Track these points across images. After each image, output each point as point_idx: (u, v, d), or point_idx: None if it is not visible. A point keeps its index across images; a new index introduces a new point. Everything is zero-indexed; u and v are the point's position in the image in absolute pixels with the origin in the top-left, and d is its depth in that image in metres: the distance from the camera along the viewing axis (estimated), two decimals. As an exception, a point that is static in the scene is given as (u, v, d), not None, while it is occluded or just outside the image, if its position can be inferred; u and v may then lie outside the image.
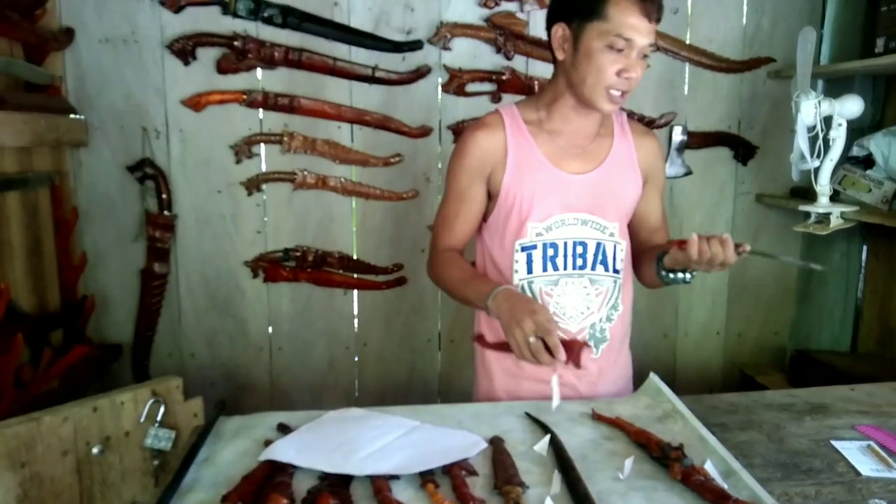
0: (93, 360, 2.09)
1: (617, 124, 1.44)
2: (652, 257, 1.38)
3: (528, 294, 1.38)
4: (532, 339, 1.18)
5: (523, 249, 1.38)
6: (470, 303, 1.38)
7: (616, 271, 1.41)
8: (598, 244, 1.38)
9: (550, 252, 1.37)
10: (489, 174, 1.39)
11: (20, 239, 1.94)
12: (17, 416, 1.37)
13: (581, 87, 1.30)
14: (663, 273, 1.33)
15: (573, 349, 1.21)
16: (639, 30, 1.23)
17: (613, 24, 1.23)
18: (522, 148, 1.37)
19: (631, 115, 2.33)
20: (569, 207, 1.37)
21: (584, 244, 1.38)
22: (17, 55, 1.98)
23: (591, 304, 1.40)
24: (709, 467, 0.99)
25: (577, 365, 1.22)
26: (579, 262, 1.38)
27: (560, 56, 1.33)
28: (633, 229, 1.48)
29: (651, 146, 1.47)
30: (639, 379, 1.38)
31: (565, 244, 1.37)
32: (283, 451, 1.04)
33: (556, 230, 1.37)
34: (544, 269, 1.38)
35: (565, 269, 1.38)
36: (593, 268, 1.39)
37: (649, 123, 2.36)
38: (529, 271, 1.38)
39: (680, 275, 1.32)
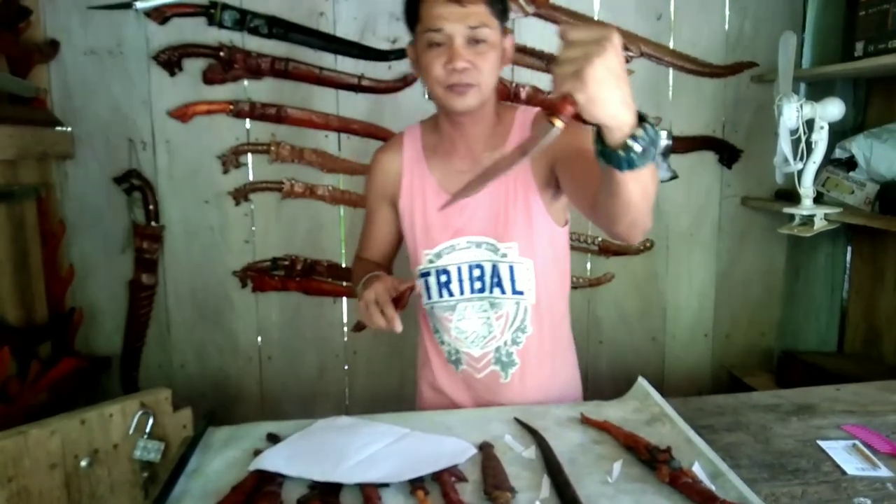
0: (81, 372, 2.08)
1: (518, 125, 1.32)
2: (600, 170, 0.95)
3: (433, 318, 1.40)
4: (369, 306, 1.18)
5: (421, 275, 1.37)
6: None
7: (518, 292, 1.33)
8: (494, 266, 1.32)
9: (443, 278, 1.35)
10: (391, 196, 1.40)
11: (7, 252, 1.93)
12: (4, 430, 1.36)
13: (432, 96, 1.28)
14: (612, 154, 0.86)
15: (402, 298, 1.20)
16: (447, 17, 1.17)
17: (425, 21, 1.20)
18: (416, 172, 1.37)
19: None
20: (459, 232, 1.32)
21: (480, 267, 1.33)
22: (2, 68, 1.98)
23: (492, 329, 1.36)
24: (696, 469, 1.00)
25: (401, 306, 1.19)
26: (477, 285, 1.34)
27: (417, 75, 1.31)
28: (589, 196, 1.10)
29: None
30: (627, 383, 1.39)
31: (459, 269, 1.34)
32: (273, 460, 1.04)
33: (446, 256, 1.34)
34: (440, 295, 1.36)
35: (462, 293, 1.35)
36: (491, 291, 1.33)
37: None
38: (429, 297, 1.38)
39: (635, 141, 0.84)
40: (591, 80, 0.77)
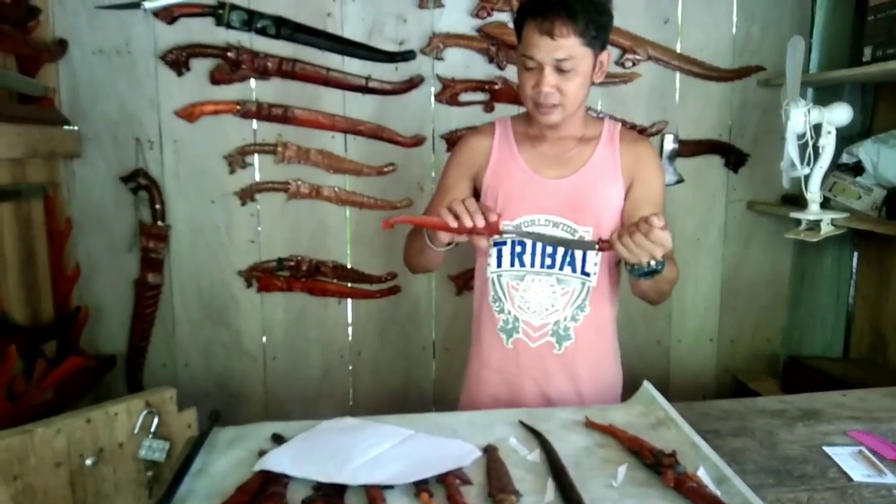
0: (86, 371, 2.09)
1: (606, 132, 1.48)
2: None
3: (496, 286, 1.48)
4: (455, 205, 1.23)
5: (495, 244, 1.46)
6: (426, 244, 1.37)
7: (585, 273, 1.45)
8: None
9: (518, 249, 1.45)
10: (475, 173, 1.51)
11: (13, 250, 1.93)
12: (10, 429, 1.37)
13: (524, 105, 1.44)
14: (628, 267, 1.28)
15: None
16: (540, 47, 1.31)
17: (522, 45, 1.35)
18: (505, 153, 1.48)
19: (623, 123, 2.35)
20: (541, 209, 1.43)
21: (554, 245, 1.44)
22: (10, 67, 1.98)
23: (555, 303, 1.45)
24: (701, 474, 0.99)
25: (494, 229, 1.24)
26: (548, 261, 1.44)
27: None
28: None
29: (637, 152, 1.46)
30: (633, 386, 1.38)
31: (534, 243, 1.44)
32: (278, 461, 1.04)
33: (525, 229, 1.43)
34: (511, 265, 1.46)
35: (532, 266, 1.45)
36: (561, 268, 1.44)
37: (641, 132, 2.38)
38: (499, 265, 1.47)
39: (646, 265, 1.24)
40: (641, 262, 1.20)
